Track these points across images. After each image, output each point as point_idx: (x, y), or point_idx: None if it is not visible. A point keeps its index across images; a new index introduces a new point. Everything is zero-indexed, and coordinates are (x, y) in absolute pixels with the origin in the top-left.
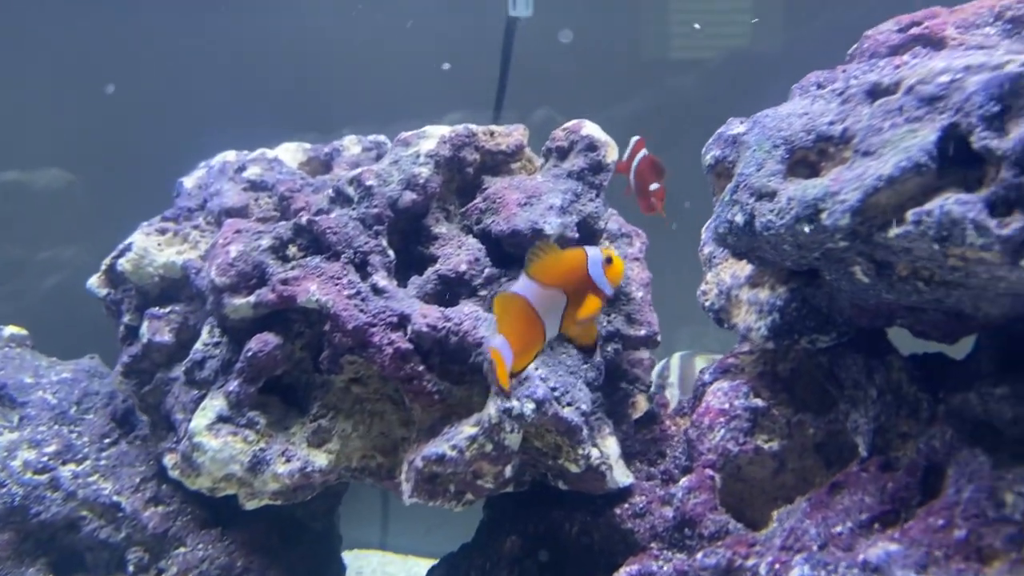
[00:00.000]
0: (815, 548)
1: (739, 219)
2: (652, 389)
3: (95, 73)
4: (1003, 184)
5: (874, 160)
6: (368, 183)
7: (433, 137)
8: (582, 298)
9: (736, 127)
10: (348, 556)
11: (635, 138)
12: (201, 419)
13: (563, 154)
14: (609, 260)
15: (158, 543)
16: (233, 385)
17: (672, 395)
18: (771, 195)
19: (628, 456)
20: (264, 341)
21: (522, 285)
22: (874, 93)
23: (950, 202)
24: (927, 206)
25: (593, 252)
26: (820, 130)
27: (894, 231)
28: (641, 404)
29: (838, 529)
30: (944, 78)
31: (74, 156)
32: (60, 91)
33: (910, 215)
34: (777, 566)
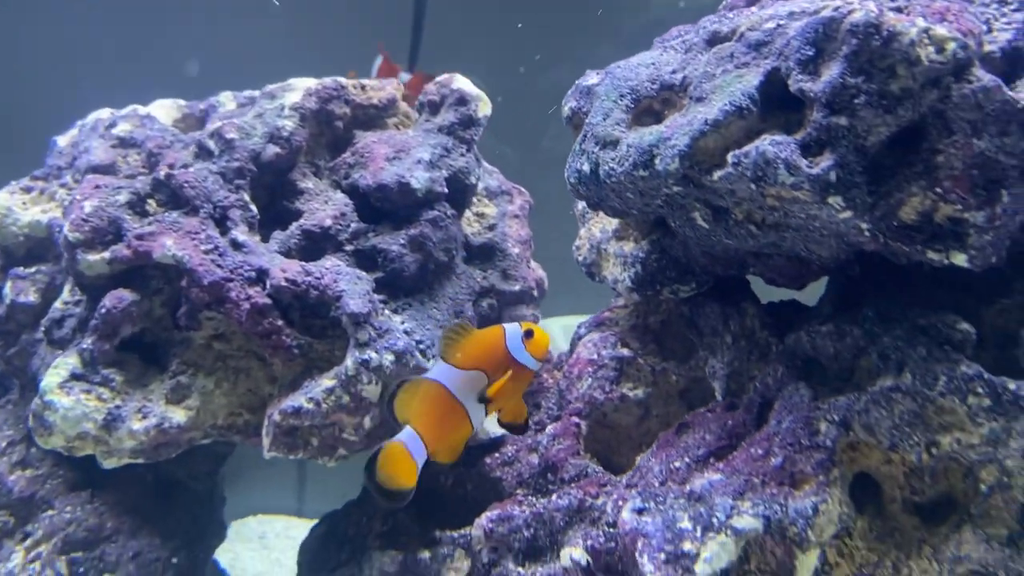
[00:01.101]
0: (657, 484)
1: (586, 168)
2: None
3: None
4: (815, 125)
5: (704, 106)
6: (229, 136)
7: (299, 89)
8: (504, 375)
9: (592, 78)
10: (252, 521)
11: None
12: (53, 377)
13: (435, 108)
14: (530, 333)
15: (24, 507)
16: (87, 342)
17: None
18: (614, 143)
19: None
20: (119, 297)
21: (438, 371)
22: (713, 41)
23: (765, 143)
24: (746, 148)
25: (511, 328)
26: (664, 79)
27: (718, 173)
28: None
29: (677, 464)
30: (770, 24)
31: None
32: None
33: (730, 157)
34: (620, 503)
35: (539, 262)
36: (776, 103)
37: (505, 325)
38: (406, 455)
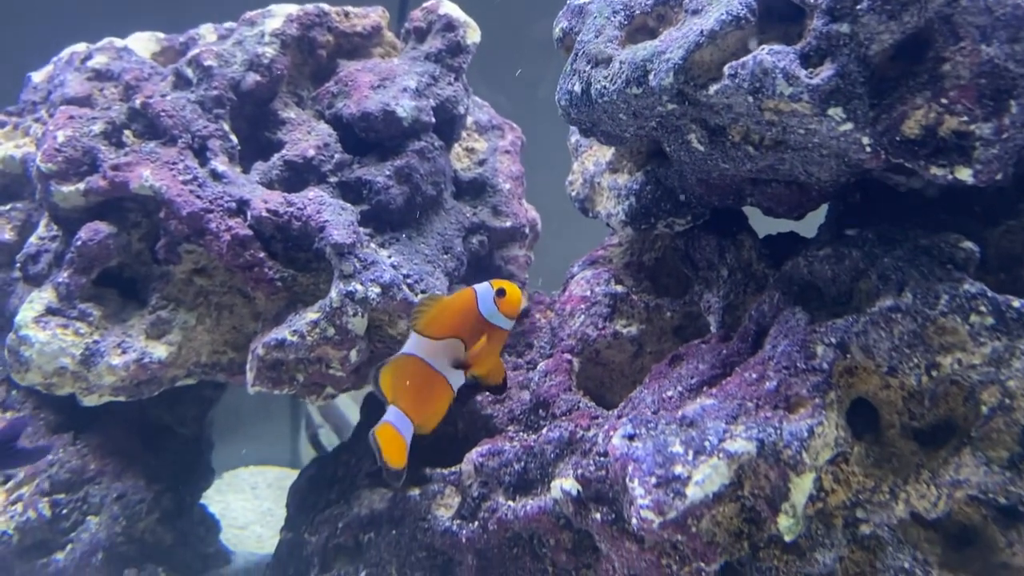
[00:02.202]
0: (649, 413)
1: (577, 88)
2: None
3: None
4: (815, 34)
5: (700, 18)
6: (207, 64)
7: (279, 16)
8: (480, 339)
9: None
10: (244, 472)
11: None
12: (28, 312)
13: (421, 35)
14: (502, 292)
15: None
16: (63, 276)
17: None
18: (607, 61)
19: None
20: (95, 230)
21: (412, 344)
22: None
23: (763, 53)
24: (743, 59)
25: (482, 289)
26: None
27: (713, 87)
28: None
29: (669, 394)
30: None
31: None
32: None
33: (727, 69)
34: (611, 431)
35: (538, 212)
36: (776, 15)
37: (476, 287)
38: (395, 434)
